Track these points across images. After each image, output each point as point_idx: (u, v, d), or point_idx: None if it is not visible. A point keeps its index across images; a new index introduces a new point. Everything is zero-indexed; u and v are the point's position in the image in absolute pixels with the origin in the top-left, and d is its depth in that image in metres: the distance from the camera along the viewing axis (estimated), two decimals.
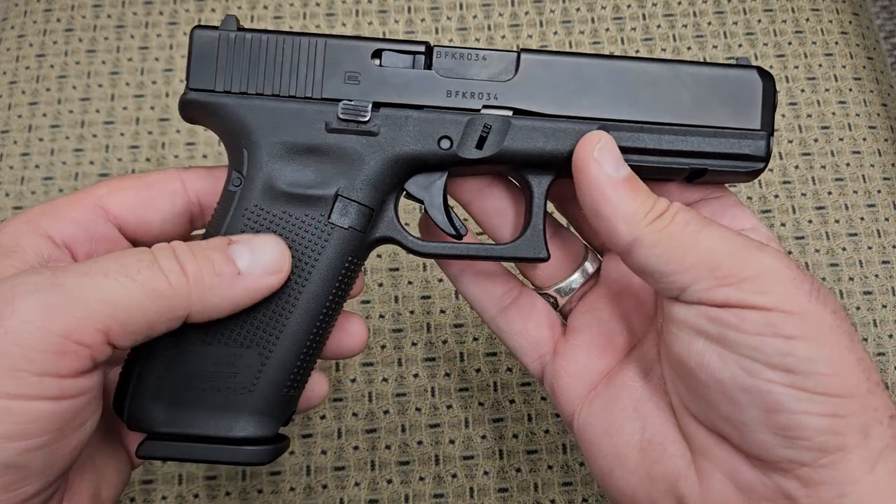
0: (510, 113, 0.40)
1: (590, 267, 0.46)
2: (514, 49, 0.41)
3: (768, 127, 0.41)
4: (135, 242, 0.41)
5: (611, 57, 0.41)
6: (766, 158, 0.41)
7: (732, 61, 0.42)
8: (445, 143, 0.40)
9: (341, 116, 0.39)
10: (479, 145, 0.40)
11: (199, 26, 0.40)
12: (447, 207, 0.42)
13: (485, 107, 0.40)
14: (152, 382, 0.39)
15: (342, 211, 0.40)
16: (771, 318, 0.34)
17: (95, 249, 0.39)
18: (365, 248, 0.41)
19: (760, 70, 0.41)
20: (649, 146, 0.40)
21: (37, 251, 0.37)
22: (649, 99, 0.40)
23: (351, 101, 0.39)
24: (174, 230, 0.42)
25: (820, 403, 0.33)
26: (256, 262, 0.37)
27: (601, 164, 0.37)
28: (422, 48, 0.40)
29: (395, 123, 0.40)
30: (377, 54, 0.40)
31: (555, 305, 0.46)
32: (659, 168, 0.41)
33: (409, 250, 0.42)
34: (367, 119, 0.39)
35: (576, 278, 0.46)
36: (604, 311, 0.44)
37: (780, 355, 0.33)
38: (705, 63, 0.41)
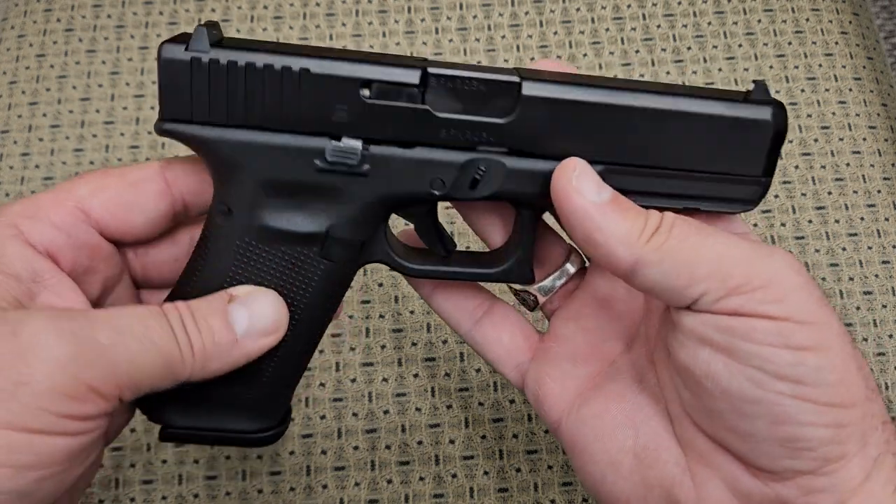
0: (506, 150, 0.38)
1: (571, 267, 0.45)
2: (515, 75, 0.37)
3: (769, 172, 0.38)
4: (116, 243, 0.41)
5: (616, 89, 0.37)
6: (758, 202, 0.39)
7: (750, 86, 0.39)
8: (438, 185, 0.38)
9: (329, 159, 0.37)
10: (473, 186, 0.38)
11: (168, 41, 0.35)
12: (438, 229, 0.41)
13: (480, 146, 0.37)
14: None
15: (333, 246, 0.39)
16: (782, 327, 0.33)
17: (77, 257, 0.38)
18: (354, 272, 0.41)
19: (775, 108, 0.38)
20: (644, 189, 0.38)
21: (24, 263, 0.36)
22: (652, 142, 0.38)
23: (339, 141, 0.36)
24: (156, 231, 0.41)
25: (826, 414, 0.33)
26: (254, 327, 0.37)
27: (582, 192, 0.36)
28: (416, 79, 0.36)
29: (386, 163, 0.37)
30: (367, 85, 0.36)
31: (535, 303, 0.46)
32: (650, 208, 0.38)
33: (398, 271, 0.41)
34: (356, 162, 0.37)
35: (557, 276, 0.45)
36: (589, 319, 0.44)
37: (791, 366, 0.33)
38: (717, 96, 0.38)
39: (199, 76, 0.35)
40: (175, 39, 0.36)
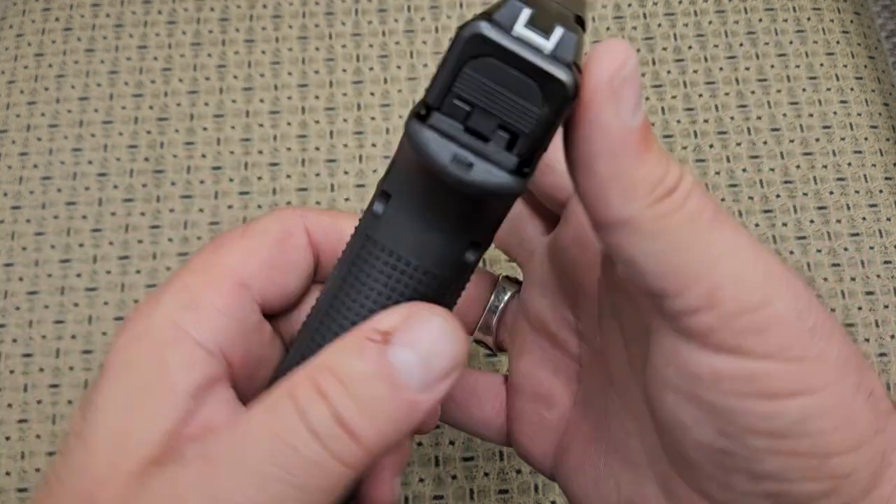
0: None
1: (498, 298, 0.39)
2: None
3: None
4: (268, 316, 0.32)
5: None
6: None
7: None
8: None
9: None
10: None
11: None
12: None
13: None
14: None
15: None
16: (755, 371, 0.26)
17: (249, 349, 0.30)
18: None
19: None
20: None
21: (188, 379, 0.27)
22: None
23: None
24: (303, 292, 0.33)
25: (818, 468, 0.26)
26: (431, 373, 0.25)
27: (619, 105, 0.25)
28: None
29: None
30: None
31: (494, 340, 0.40)
32: None
33: None
34: None
35: (495, 296, 0.39)
36: (535, 350, 0.37)
37: (767, 419, 0.26)
38: None
39: None
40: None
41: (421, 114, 0.25)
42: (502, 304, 0.39)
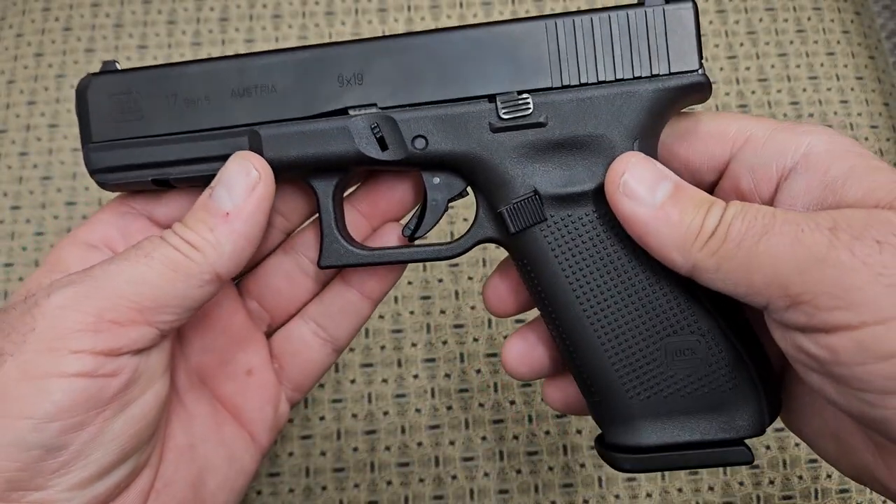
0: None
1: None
2: None
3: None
4: None
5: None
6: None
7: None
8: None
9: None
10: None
11: None
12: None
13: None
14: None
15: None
16: (862, 337, 0.29)
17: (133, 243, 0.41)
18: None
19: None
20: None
21: (78, 259, 0.39)
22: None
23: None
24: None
25: None
26: (235, 192, 0.38)
27: (632, 198, 0.34)
28: None
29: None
30: None
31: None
32: None
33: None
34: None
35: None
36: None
37: (890, 380, 0.29)
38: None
39: None
40: None
41: None
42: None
